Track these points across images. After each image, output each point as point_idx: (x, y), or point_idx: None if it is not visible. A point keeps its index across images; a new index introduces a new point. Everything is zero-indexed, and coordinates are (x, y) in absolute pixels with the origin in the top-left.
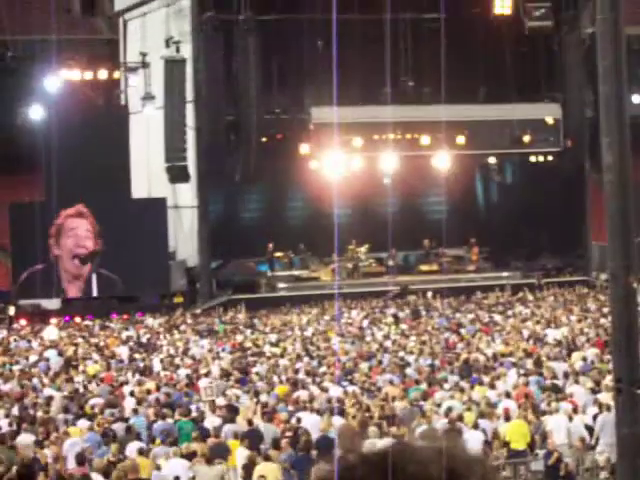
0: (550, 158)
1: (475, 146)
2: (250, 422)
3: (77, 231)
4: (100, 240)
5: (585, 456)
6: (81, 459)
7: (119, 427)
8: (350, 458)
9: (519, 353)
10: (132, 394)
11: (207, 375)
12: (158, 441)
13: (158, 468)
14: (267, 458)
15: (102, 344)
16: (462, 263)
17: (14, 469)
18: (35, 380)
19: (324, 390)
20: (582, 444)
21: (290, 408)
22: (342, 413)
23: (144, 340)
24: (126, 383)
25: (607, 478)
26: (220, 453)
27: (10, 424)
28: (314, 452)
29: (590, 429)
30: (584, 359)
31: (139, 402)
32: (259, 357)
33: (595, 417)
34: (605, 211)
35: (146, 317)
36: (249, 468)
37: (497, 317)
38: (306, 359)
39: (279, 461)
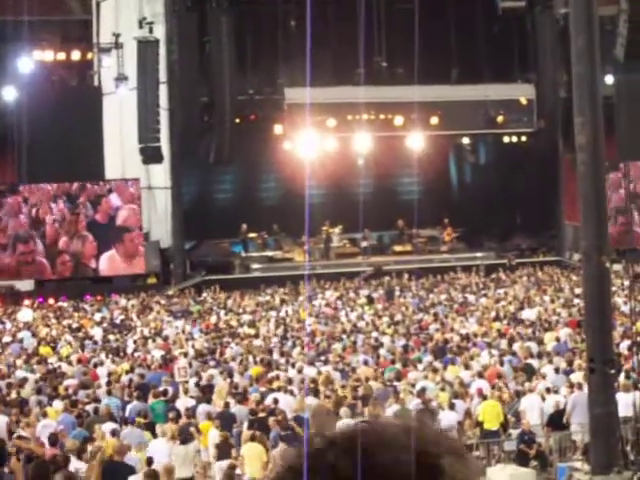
0: (524, 138)
1: (448, 126)
2: (226, 404)
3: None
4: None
5: (555, 436)
6: (54, 440)
7: (92, 408)
8: (317, 442)
9: (493, 333)
10: (109, 375)
11: (181, 356)
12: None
13: (129, 449)
14: (253, 438)
15: (76, 325)
16: (436, 243)
17: None
18: (9, 362)
19: (298, 371)
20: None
21: (262, 389)
22: (316, 393)
23: (118, 321)
24: (100, 364)
25: (580, 458)
26: (184, 435)
27: None
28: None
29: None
30: (557, 339)
31: (113, 383)
32: (233, 338)
33: (568, 397)
34: (578, 191)
35: (119, 298)
36: (223, 448)
37: (471, 297)
38: (280, 340)
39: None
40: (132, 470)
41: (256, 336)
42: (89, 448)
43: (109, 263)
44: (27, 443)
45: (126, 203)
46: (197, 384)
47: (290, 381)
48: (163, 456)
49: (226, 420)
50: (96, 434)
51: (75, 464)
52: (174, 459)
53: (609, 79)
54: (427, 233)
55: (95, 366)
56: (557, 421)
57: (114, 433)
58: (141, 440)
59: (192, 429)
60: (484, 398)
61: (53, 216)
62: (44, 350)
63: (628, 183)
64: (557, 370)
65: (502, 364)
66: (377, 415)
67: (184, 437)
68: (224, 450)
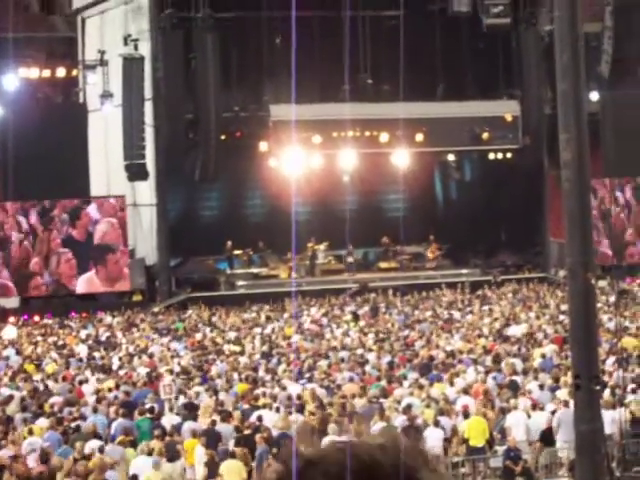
0: (509, 155)
1: (434, 143)
2: (213, 421)
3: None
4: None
5: (544, 453)
6: (45, 458)
7: (79, 426)
8: (296, 461)
9: (478, 350)
10: (94, 393)
11: (166, 373)
12: (119, 438)
13: (112, 467)
14: (232, 455)
15: (61, 343)
16: (421, 260)
17: None
18: None
19: (283, 388)
20: (541, 441)
21: (246, 406)
22: (302, 411)
23: (103, 338)
24: (85, 381)
25: (566, 475)
26: (171, 452)
27: None
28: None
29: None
30: (543, 356)
31: (99, 400)
32: (218, 355)
33: (554, 414)
34: (563, 208)
35: (104, 315)
36: (211, 466)
37: (456, 314)
38: (265, 357)
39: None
40: None
41: (241, 353)
42: (76, 466)
43: (87, 286)
44: (15, 461)
45: (105, 217)
46: (183, 403)
47: (275, 398)
48: (146, 473)
49: (211, 438)
50: (77, 451)
51: None
52: (161, 477)
53: (594, 96)
54: (412, 250)
55: (80, 383)
56: (549, 437)
57: (100, 450)
58: (123, 458)
59: (178, 447)
60: (470, 415)
61: (21, 233)
62: (29, 368)
63: (599, 203)
64: (542, 387)
65: (487, 381)
66: (360, 432)
67: (171, 455)
68: (212, 469)
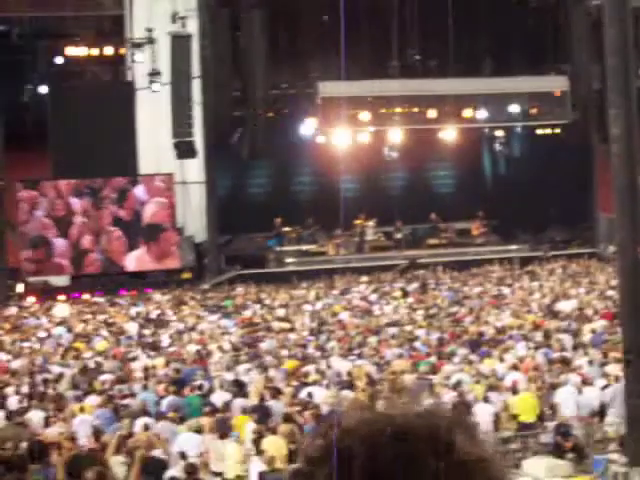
0: (557, 130)
1: (482, 119)
2: (262, 397)
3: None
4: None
5: (594, 428)
6: (96, 435)
7: (129, 403)
8: (334, 433)
9: (528, 326)
10: (144, 370)
11: (216, 350)
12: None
13: (161, 444)
14: (274, 432)
15: (111, 320)
16: (469, 236)
17: (23, 445)
18: (45, 357)
19: (333, 365)
20: (591, 417)
21: (296, 383)
22: (351, 387)
23: (153, 316)
24: (135, 359)
25: (617, 450)
26: (222, 428)
27: (20, 401)
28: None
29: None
30: (593, 331)
31: (147, 378)
32: (268, 332)
33: (604, 389)
34: (612, 183)
35: (154, 293)
36: (257, 442)
37: (505, 290)
38: (315, 333)
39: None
40: (165, 464)
41: (291, 330)
42: (127, 443)
43: (137, 263)
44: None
45: (152, 197)
46: (233, 380)
47: (324, 375)
48: (194, 449)
49: (262, 414)
50: (125, 428)
51: (113, 459)
52: (211, 454)
53: None
54: (460, 226)
55: (130, 361)
56: (600, 413)
57: (147, 427)
58: (174, 434)
59: (230, 423)
60: (520, 391)
61: (74, 213)
62: (80, 345)
63: None
64: (591, 362)
65: (537, 356)
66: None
67: (222, 431)
68: (258, 444)
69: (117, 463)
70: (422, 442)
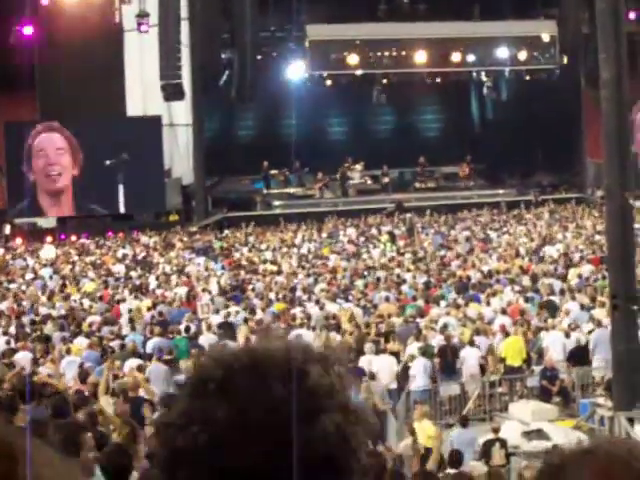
0: (546, 75)
1: (470, 63)
2: (248, 340)
3: (47, 151)
4: (79, 155)
5: (580, 372)
6: (84, 376)
7: (116, 344)
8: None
9: (515, 270)
10: (130, 312)
11: (204, 293)
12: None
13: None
14: None
15: (98, 262)
16: (457, 180)
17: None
18: (32, 298)
19: (321, 307)
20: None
21: (283, 326)
22: (338, 330)
23: (140, 258)
24: (123, 301)
25: (603, 394)
26: None
27: (7, 342)
28: None
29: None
30: (580, 276)
31: (132, 319)
32: (255, 274)
33: (590, 333)
34: (601, 128)
35: (141, 235)
36: None
37: (492, 234)
38: (302, 276)
39: None
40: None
41: (278, 273)
42: (114, 383)
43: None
44: (52, 379)
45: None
46: (220, 322)
47: (311, 318)
48: None
49: None
50: (115, 369)
51: (101, 400)
52: None
53: (632, 15)
54: (448, 170)
55: (118, 303)
56: (578, 357)
57: (140, 369)
58: (166, 376)
59: None
60: (507, 334)
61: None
62: (68, 287)
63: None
64: (582, 306)
65: (525, 301)
66: (398, 351)
67: None
68: None
69: (107, 404)
70: (276, 369)
